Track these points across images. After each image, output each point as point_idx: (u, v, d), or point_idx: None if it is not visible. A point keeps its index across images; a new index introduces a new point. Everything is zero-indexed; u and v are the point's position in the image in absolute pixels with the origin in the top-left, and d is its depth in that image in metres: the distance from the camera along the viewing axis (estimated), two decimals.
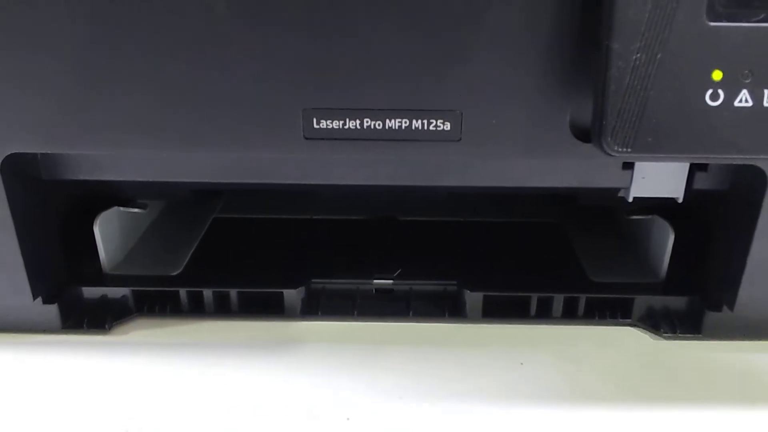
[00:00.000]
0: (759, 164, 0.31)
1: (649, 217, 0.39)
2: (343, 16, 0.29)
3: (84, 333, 0.37)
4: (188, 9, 0.29)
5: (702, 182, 0.35)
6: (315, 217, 0.47)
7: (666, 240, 0.38)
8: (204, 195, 0.45)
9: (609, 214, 0.45)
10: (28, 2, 0.29)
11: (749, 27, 0.26)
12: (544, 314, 0.38)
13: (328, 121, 0.31)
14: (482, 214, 0.47)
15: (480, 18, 0.29)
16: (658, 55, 0.26)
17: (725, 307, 0.36)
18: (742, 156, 0.28)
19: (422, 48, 0.29)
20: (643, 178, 0.35)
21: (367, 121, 0.31)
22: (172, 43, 0.29)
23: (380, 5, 0.29)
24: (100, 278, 0.39)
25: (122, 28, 0.29)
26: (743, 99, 0.27)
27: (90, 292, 0.38)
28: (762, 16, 0.26)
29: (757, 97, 0.27)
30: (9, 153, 0.32)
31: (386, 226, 0.46)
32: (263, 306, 0.38)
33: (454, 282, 0.39)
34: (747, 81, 0.27)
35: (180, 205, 0.47)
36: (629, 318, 0.38)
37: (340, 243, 0.44)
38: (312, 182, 0.35)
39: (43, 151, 0.33)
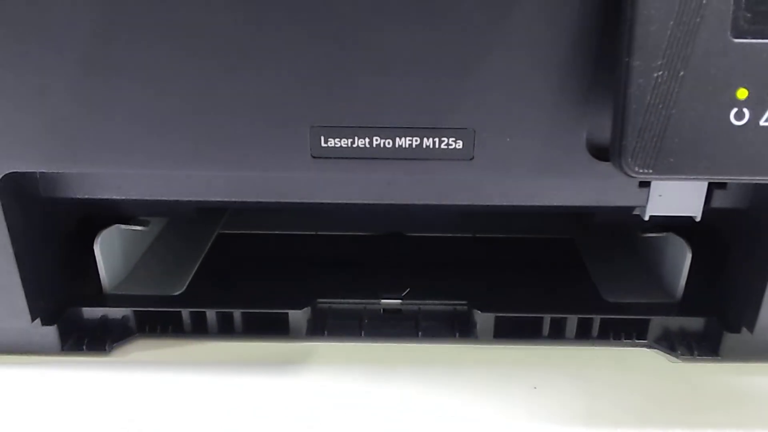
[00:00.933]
0: None
1: (665, 234, 0.38)
2: (352, 31, 0.28)
3: (84, 354, 0.36)
4: (193, 25, 0.28)
5: (721, 200, 0.34)
6: (320, 233, 0.46)
7: (683, 259, 0.37)
8: (207, 211, 0.45)
9: (622, 231, 0.44)
10: (28, 21, 0.28)
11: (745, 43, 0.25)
12: (557, 335, 0.37)
13: (337, 140, 0.30)
14: (492, 230, 0.46)
15: (494, 33, 0.28)
16: (681, 73, 0.25)
17: (744, 329, 0.35)
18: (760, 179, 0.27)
19: (434, 64, 0.28)
20: (660, 196, 0.34)
21: (376, 140, 0.30)
22: (177, 60, 0.28)
23: (390, 21, 0.28)
24: (101, 298, 0.38)
25: (124, 46, 0.28)
26: None
27: (90, 312, 0.37)
28: None
29: None
30: (7, 172, 0.31)
31: (394, 242, 0.45)
32: (268, 327, 0.37)
33: (464, 302, 0.38)
34: None
35: (183, 221, 0.46)
36: (645, 339, 0.37)
37: (347, 260, 0.43)
38: (319, 201, 0.34)
39: (42, 170, 0.32)
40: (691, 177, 0.27)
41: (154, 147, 0.30)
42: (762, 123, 0.26)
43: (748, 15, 0.25)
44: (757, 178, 0.27)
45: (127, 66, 0.29)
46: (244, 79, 0.29)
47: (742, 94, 0.26)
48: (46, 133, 0.30)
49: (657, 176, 0.27)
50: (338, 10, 0.27)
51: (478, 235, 0.46)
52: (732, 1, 0.25)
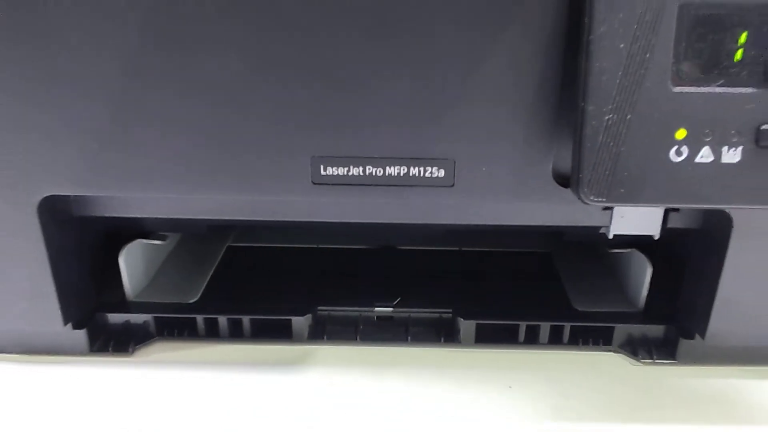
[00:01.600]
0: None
1: (629, 251, 0.43)
2: (349, 78, 0.32)
3: (109, 355, 0.41)
4: (208, 71, 0.32)
5: (675, 221, 0.39)
6: (320, 246, 0.50)
7: (644, 273, 0.41)
8: (218, 227, 0.49)
9: (593, 247, 0.49)
10: (64, 62, 0.32)
11: (709, 92, 0.30)
12: (531, 340, 0.42)
13: (334, 168, 0.34)
14: (476, 243, 0.50)
15: (472, 80, 0.32)
16: (628, 116, 0.30)
17: (698, 336, 0.39)
18: (703, 205, 0.31)
19: (419, 102, 0.33)
20: (622, 217, 0.39)
21: (369, 168, 0.34)
22: (193, 100, 0.33)
23: (383, 70, 0.32)
24: (125, 305, 0.43)
25: (147, 88, 0.33)
26: (704, 155, 0.30)
27: (115, 317, 0.42)
28: (720, 82, 0.30)
29: (717, 154, 0.30)
30: (46, 195, 0.36)
31: (386, 254, 0.49)
32: (273, 331, 0.42)
33: (449, 310, 0.42)
34: (707, 140, 0.30)
35: (196, 236, 0.50)
36: (610, 345, 0.42)
37: (344, 271, 0.47)
38: (318, 220, 0.39)
39: (76, 194, 0.37)
40: (639, 204, 0.31)
41: (173, 173, 0.35)
42: (697, 160, 0.30)
43: (685, 67, 0.30)
44: (694, 205, 0.31)
45: (149, 103, 0.33)
46: (254, 115, 0.33)
47: (680, 134, 0.30)
48: (79, 162, 0.34)
49: (609, 203, 0.31)
50: (338, 61, 0.32)
51: (463, 249, 0.50)
52: (671, 55, 0.29)
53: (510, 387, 0.38)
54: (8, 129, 0.34)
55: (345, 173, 0.34)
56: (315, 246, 0.50)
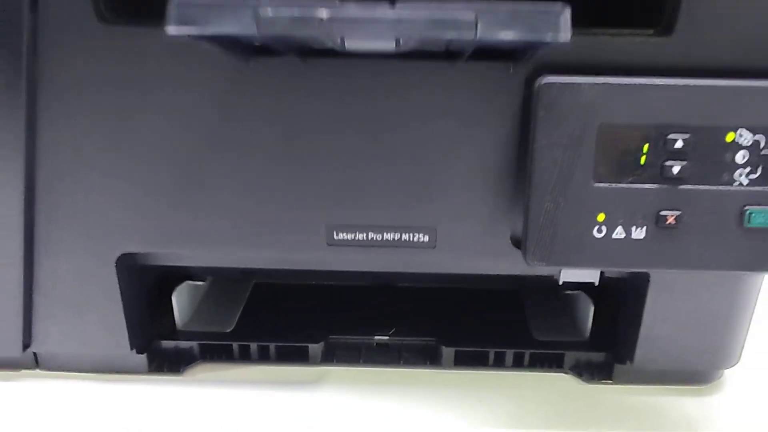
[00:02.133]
0: None
1: (577, 292, 0.53)
2: (358, 167, 0.43)
3: (164, 374, 0.51)
4: (250, 162, 0.43)
5: (610, 273, 0.49)
6: (331, 284, 0.60)
7: (588, 310, 0.52)
8: (247, 270, 0.59)
9: (551, 288, 0.59)
10: (137, 143, 0.43)
11: (621, 187, 0.40)
12: (499, 364, 0.52)
13: (344, 234, 0.45)
14: (456, 284, 0.60)
15: (451, 168, 0.43)
16: (561, 204, 0.40)
17: (628, 361, 0.50)
18: (618, 269, 0.42)
19: (410, 187, 0.43)
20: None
21: (371, 234, 0.45)
22: (237, 181, 0.43)
23: (384, 162, 0.43)
24: (175, 334, 0.53)
25: (204, 172, 0.43)
26: (618, 233, 0.41)
27: (167, 344, 0.52)
28: (630, 179, 0.40)
29: (628, 232, 0.41)
30: (123, 252, 0.46)
31: (384, 292, 0.60)
32: (294, 355, 0.52)
33: (434, 339, 0.53)
34: (620, 222, 0.41)
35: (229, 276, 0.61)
36: (562, 367, 0.52)
37: (351, 306, 0.57)
38: (330, 269, 0.49)
39: (146, 251, 0.47)
40: (569, 268, 0.42)
41: (219, 235, 0.45)
42: (614, 236, 0.41)
43: (602, 169, 0.40)
44: (612, 269, 0.42)
45: (205, 184, 0.44)
46: (284, 195, 0.44)
47: (600, 217, 0.41)
48: (149, 228, 0.45)
49: (547, 266, 0.42)
50: (350, 159, 0.42)
51: (446, 288, 0.60)
52: (593, 160, 0.40)
53: (480, 401, 0.49)
54: (95, 199, 0.44)
55: (352, 237, 0.45)
56: (327, 284, 0.61)
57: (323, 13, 0.27)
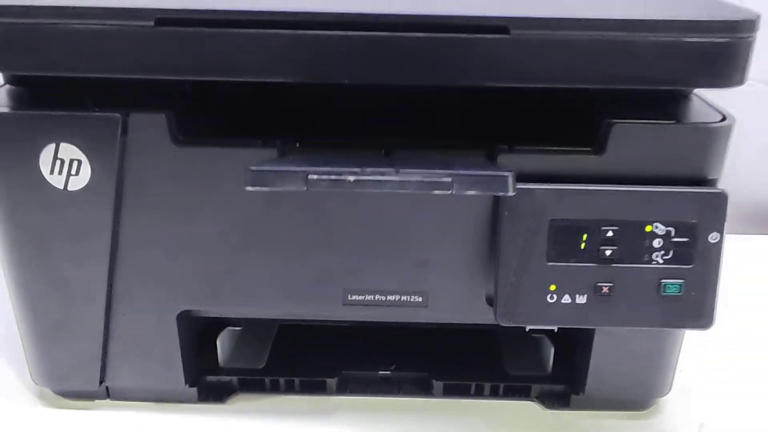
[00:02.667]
0: None
1: (541, 336, 0.66)
2: (365, 249, 0.55)
3: (210, 403, 0.64)
4: (281, 248, 0.55)
5: None
6: (345, 326, 0.71)
7: (550, 350, 0.65)
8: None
9: (522, 332, 0.72)
10: (200, 230, 0.56)
11: (567, 265, 0.53)
12: (479, 393, 0.64)
13: (356, 296, 0.57)
14: (445, 325, 0.72)
15: (438, 250, 0.55)
16: (523, 277, 0.53)
17: (581, 392, 0.63)
18: (567, 326, 0.55)
19: (407, 261, 0.56)
20: None
21: (377, 296, 0.58)
22: (270, 258, 0.56)
23: (386, 245, 0.55)
24: (218, 370, 0.65)
25: (248, 248, 0.56)
26: (566, 299, 0.53)
27: (212, 379, 0.64)
28: (572, 260, 0.53)
29: (573, 298, 0.53)
30: (181, 310, 0.59)
31: (388, 333, 0.72)
32: (314, 387, 0.64)
33: (426, 373, 0.65)
34: (567, 290, 0.53)
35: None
36: (529, 397, 0.64)
37: (360, 345, 0.69)
38: (345, 320, 0.62)
39: (199, 309, 0.60)
40: (530, 326, 0.55)
41: (258, 296, 0.57)
42: (562, 301, 0.54)
43: (554, 252, 0.53)
44: (563, 326, 0.55)
45: (248, 255, 0.56)
46: (309, 269, 0.56)
47: (552, 287, 0.53)
48: (203, 290, 0.57)
49: (513, 324, 0.55)
50: (359, 245, 0.55)
51: (436, 329, 0.72)
52: (546, 246, 0.53)
53: (464, 424, 0.62)
54: (162, 271, 0.56)
55: (363, 299, 0.57)
56: (341, 326, 0.73)
57: (350, 177, 0.40)
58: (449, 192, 0.42)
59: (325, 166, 0.43)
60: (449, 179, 0.41)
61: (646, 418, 0.63)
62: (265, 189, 0.42)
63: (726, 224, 0.52)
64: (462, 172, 0.42)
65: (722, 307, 0.54)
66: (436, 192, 0.42)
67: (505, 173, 0.43)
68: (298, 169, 0.41)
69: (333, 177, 0.41)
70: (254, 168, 0.42)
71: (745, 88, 0.86)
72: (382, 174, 0.42)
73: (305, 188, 0.41)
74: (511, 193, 0.44)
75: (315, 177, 0.41)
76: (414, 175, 0.42)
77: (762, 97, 0.95)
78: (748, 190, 1.02)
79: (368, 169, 0.42)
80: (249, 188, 0.42)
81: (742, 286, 0.78)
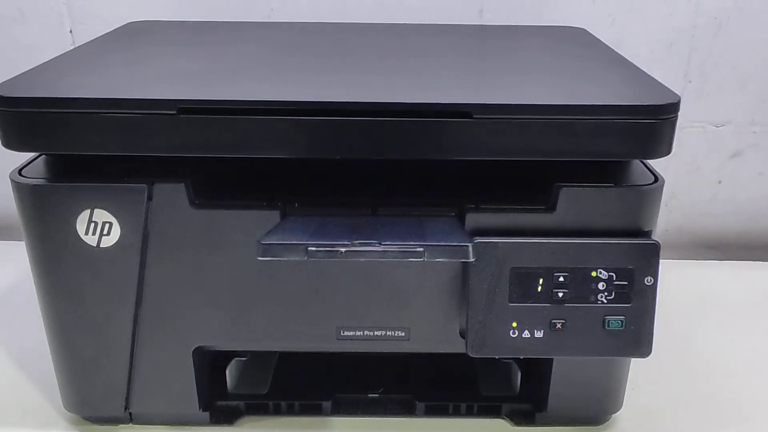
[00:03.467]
0: None
1: (510, 361, 0.76)
2: (356, 292, 0.65)
3: (221, 425, 0.73)
4: (284, 290, 0.65)
5: None
6: (337, 354, 0.81)
7: (518, 374, 0.75)
8: None
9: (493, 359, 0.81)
10: (213, 279, 0.65)
11: (526, 305, 0.62)
12: (457, 412, 0.74)
13: (348, 332, 0.67)
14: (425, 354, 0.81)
15: (419, 291, 0.65)
16: (489, 316, 0.63)
17: (544, 410, 0.72)
18: (528, 356, 0.64)
19: (392, 302, 0.65)
20: None
21: (367, 332, 0.67)
22: (276, 303, 0.65)
23: (373, 288, 0.65)
24: (227, 396, 0.75)
25: (256, 294, 0.65)
26: (526, 334, 0.63)
27: (222, 403, 0.73)
28: (530, 301, 0.62)
29: (532, 333, 0.63)
30: (197, 345, 0.68)
31: (375, 359, 0.81)
32: (312, 409, 0.73)
33: (410, 395, 0.74)
34: (527, 326, 0.63)
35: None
36: (500, 415, 0.74)
37: (352, 371, 0.78)
38: (338, 351, 0.72)
39: (212, 345, 0.69)
40: (496, 356, 0.64)
41: (262, 335, 0.66)
42: (523, 336, 0.63)
43: (516, 294, 0.62)
44: (524, 356, 0.64)
45: (254, 300, 0.65)
46: (306, 309, 0.65)
47: (514, 324, 0.63)
48: (216, 330, 0.67)
49: (481, 356, 0.64)
50: (348, 287, 0.64)
51: (417, 357, 0.81)
52: (507, 289, 0.62)
53: None
54: (180, 313, 0.66)
55: (353, 334, 0.67)
56: (334, 353, 0.82)
57: (342, 249, 0.50)
58: (422, 259, 0.51)
59: (321, 232, 0.52)
60: (422, 249, 0.51)
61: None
62: (273, 259, 0.51)
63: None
64: (432, 243, 0.51)
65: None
66: (411, 260, 0.51)
67: (467, 244, 0.53)
68: (299, 242, 0.51)
69: (328, 249, 0.51)
70: (264, 242, 0.51)
71: (698, 129, 0.98)
72: (368, 245, 0.51)
73: (306, 258, 0.51)
74: (471, 260, 0.53)
75: (314, 249, 0.50)
76: (393, 246, 0.51)
77: (711, 135, 1.06)
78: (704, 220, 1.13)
79: (356, 242, 0.51)
80: (260, 258, 0.51)
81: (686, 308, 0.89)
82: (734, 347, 0.86)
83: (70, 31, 1.03)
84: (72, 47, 1.02)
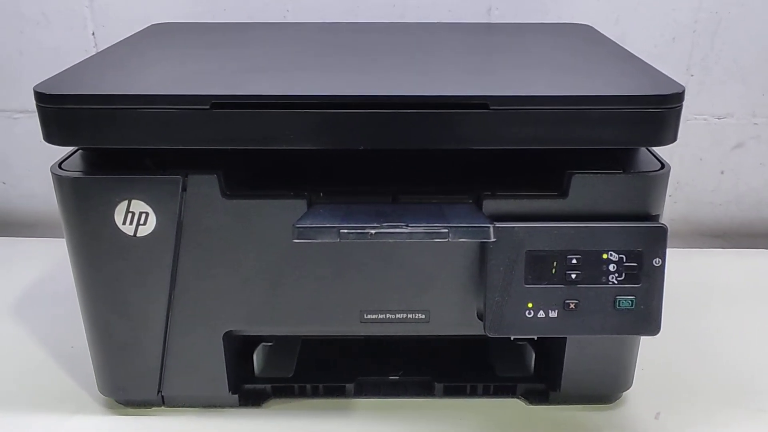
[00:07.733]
0: None
1: (524, 343, 0.79)
2: (379, 276, 0.68)
3: (249, 407, 0.76)
4: (310, 275, 0.68)
5: None
6: (360, 338, 0.84)
7: (532, 355, 0.78)
8: None
9: (508, 340, 0.84)
10: (244, 265, 0.68)
11: (541, 287, 0.66)
12: (474, 393, 0.77)
13: (370, 315, 0.70)
14: (443, 339, 0.85)
15: (439, 275, 0.68)
16: (506, 297, 0.66)
17: (558, 389, 0.75)
18: (543, 336, 0.68)
19: (413, 285, 0.68)
20: None
21: (388, 314, 0.70)
22: (302, 288, 0.69)
23: (395, 273, 0.68)
24: (254, 379, 0.78)
25: (284, 279, 0.68)
26: (541, 314, 0.66)
27: (250, 386, 0.77)
28: (545, 283, 0.66)
29: (546, 313, 0.66)
30: (227, 330, 0.71)
31: (395, 343, 0.84)
32: (335, 391, 0.76)
33: (429, 377, 0.78)
34: (542, 307, 0.66)
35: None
36: (515, 394, 0.77)
37: (374, 354, 0.81)
38: (362, 335, 0.75)
39: (242, 329, 0.72)
40: (511, 336, 0.67)
41: (289, 319, 0.70)
42: (538, 316, 0.66)
43: (531, 276, 0.66)
44: (539, 335, 0.68)
45: (282, 286, 0.69)
46: (332, 294, 0.68)
47: (530, 305, 0.66)
48: (246, 315, 0.70)
49: (499, 335, 0.67)
50: (375, 277, 0.68)
51: (441, 336, 0.85)
52: (523, 272, 0.66)
53: (461, 419, 0.75)
54: (211, 299, 0.69)
55: (376, 317, 0.70)
56: (354, 339, 0.85)
57: (372, 230, 0.54)
58: (446, 240, 0.55)
59: (348, 217, 0.56)
60: (446, 230, 0.55)
61: (613, 409, 0.76)
62: (307, 241, 0.55)
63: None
64: (455, 225, 0.55)
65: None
66: (437, 240, 0.55)
67: (488, 225, 0.56)
68: (332, 225, 0.54)
69: (359, 231, 0.54)
70: (298, 225, 0.55)
71: (700, 122, 1.01)
72: (396, 227, 0.55)
73: (339, 240, 0.54)
74: (492, 240, 0.57)
75: (345, 231, 0.54)
76: (420, 228, 0.55)
77: (713, 128, 1.09)
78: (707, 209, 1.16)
79: (385, 224, 0.55)
80: (295, 241, 0.55)
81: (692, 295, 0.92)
82: (739, 332, 0.90)
83: (93, 34, 1.06)
84: (94, 49, 1.06)
